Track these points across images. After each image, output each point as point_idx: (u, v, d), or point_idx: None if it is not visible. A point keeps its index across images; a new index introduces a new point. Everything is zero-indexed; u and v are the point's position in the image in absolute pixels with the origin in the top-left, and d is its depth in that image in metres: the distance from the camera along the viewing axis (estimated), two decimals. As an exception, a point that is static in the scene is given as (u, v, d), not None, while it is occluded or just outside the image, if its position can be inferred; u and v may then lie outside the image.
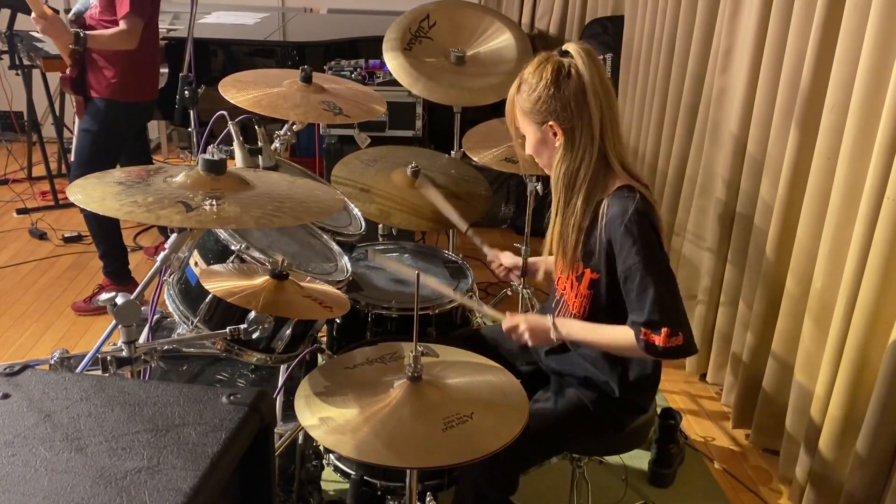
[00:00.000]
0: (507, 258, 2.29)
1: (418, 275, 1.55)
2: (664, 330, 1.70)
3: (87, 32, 3.05)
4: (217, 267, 1.87)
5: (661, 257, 1.75)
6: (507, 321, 1.90)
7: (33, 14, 3.01)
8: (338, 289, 1.97)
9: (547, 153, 1.84)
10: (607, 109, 1.76)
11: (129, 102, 3.28)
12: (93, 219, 3.37)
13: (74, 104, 5.03)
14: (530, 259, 2.30)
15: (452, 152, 3.05)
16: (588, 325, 1.84)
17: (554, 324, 1.85)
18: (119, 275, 3.46)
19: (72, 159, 4.90)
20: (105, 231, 3.39)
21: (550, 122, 1.77)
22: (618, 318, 1.78)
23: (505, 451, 1.46)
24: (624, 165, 1.79)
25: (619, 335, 1.78)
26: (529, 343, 1.90)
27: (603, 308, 1.82)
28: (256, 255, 1.90)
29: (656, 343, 1.71)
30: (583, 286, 1.83)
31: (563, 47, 1.78)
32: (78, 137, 3.36)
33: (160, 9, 3.34)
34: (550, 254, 1.93)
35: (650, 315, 1.71)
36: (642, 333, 1.72)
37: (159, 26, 3.48)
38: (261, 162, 2.16)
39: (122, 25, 3.05)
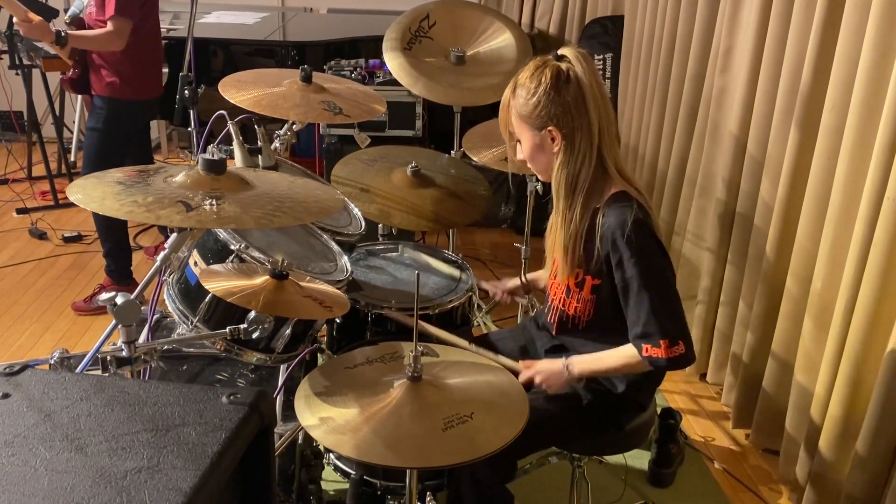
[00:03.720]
0: (507, 283, 2.29)
1: (418, 275, 1.55)
2: (662, 342, 1.71)
3: (69, 32, 3.05)
4: (217, 267, 1.87)
5: (659, 267, 1.75)
6: (523, 375, 1.88)
7: (16, 19, 3.03)
8: (338, 289, 1.97)
9: (543, 159, 1.83)
10: (604, 114, 1.76)
11: (131, 100, 3.28)
12: (101, 216, 3.38)
13: (75, 104, 5.06)
14: (532, 274, 2.28)
15: (452, 152, 3.05)
16: (595, 356, 1.85)
17: (567, 366, 1.85)
18: (121, 274, 3.46)
19: (71, 158, 4.94)
20: (112, 230, 3.40)
21: (550, 128, 1.76)
22: (623, 319, 1.79)
23: None
24: (619, 170, 1.80)
25: (625, 355, 1.79)
26: (549, 392, 1.89)
27: (609, 310, 1.82)
28: (256, 254, 1.90)
29: (658, 356, 1.72)
30: (585, 292, 1.83)
31: (559, 52, 1.78)
32: (86, 136, 3.38)
33: (160, 8, 3.35)
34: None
35: (646, 327, 1.72)
36: (643, 350, 1.73)
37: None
38: (261, 162, 2.16)
39: (109, 26, 3.06)
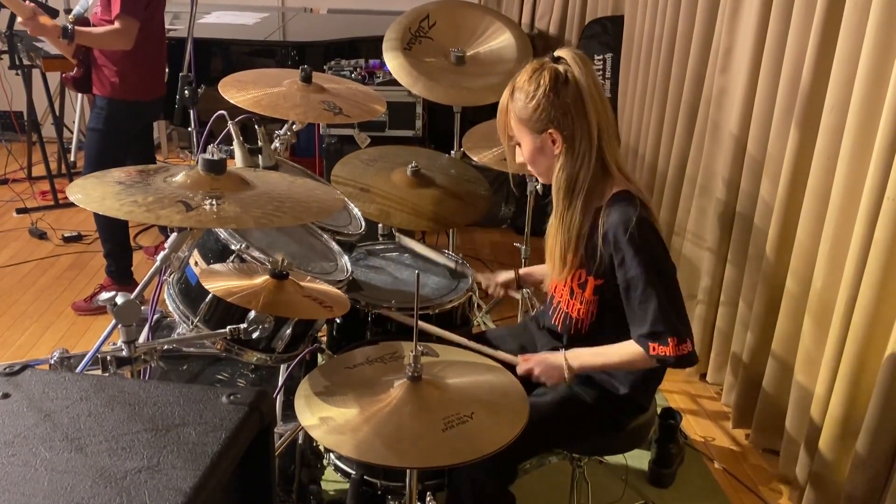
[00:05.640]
0: (500, 276, 2.27)
1: (418, 275, 1.55)
2: (671, 340, 1.71)
3: (76, 27, 3.04)
4: (217, 266, 1.87)
5: (663, 265, 1.75)
6: (521, 367, 1.88)
7: (19, 19, 3.02)
8: (338, 289, 1.97)
9: (544, 161, 1.82)
10: (603, 114, 1.76)
11: (132, 101, 3.28)
12: (101, 217, 3.37)
13: (75, 104, 5.06)
14: (533, 268, 2.28)
15: (452, 152, 3.05)
16: (597, 350, 1.84)
17: (566, 361, 1.84)
18: (121, 275, 3.46)
19: (71, 158, 4.94)
20: (112, 230, 3.40)
21: (550, 130, 1.75)
22: (625, 320, 1.79)
23: None
24: (620, 169, 1.80)
25: (629, 352, 1.78)
26: (547, 385, 1.89)
27: (611, 310, 1.82)
28: (256, 254, 1.90)
29: (667, 354, 1.72)
30: (587, 292, 1.83)
31: (556, 53, 1.78)
32: (87, 136, 3.38)
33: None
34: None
35: (654, 326, 1.71)
36: (651, 348, 1.73)
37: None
38: (261, 162, 2.16)
39: (116, 25, 3.06)
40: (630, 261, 1.72)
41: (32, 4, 3.01)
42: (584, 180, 1.76)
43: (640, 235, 1.71)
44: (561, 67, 1.74)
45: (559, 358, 1.85)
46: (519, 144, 1.85)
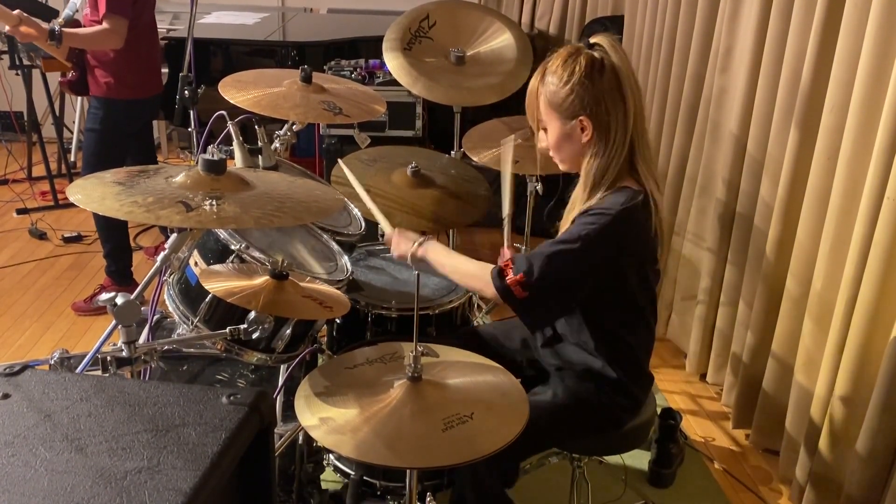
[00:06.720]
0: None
1: (418, 275, 1.55)
2: (521, 275, 1.68)
3: (63, 29, 3.02)
4: (217, 267, 1.87)
5: (592, 254, 1.71)
6: (388, 235, 1.94)
7: (7, 27, 3.01)
8: (338, 289, 1.97)
9: (570, 148, 1.79)
10: (639, 103, 1.73)
11: (127, 100, 3.27)
12: (101, 217, 3.37)
13: (75, 104, 5.06)
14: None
15: (452, 152, 3.05)
16: (452, 252, 1.86)
17: (417, 241, 1.86)
18: (121, 275, 3.46)
19: (71, 159, 4.94)
20: (112, 231, 3.40)
21: (581, 118, 1.72)
22: (599, 303, 1.79)
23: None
24: (645, 163, 1.76)
25: (478, 266, 1.78)
26: (393, 254, 1.92)
27: (599, 298, 1.80)
28: (256, 254, 1.90)
29: (506, 275, 1.70)
30: None
31: (591, 40, 1.74)
32: (84, 137, 3.38)
33: (160, 8, 3.34)
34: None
35: (528, 259, 1.70)
36: (504, 268, 1.71)
37: (158, 26, 3.48)
38: (261, 162, 2.16)
39: (104, 25, 3.05)
40: (581, 222, 1.70)
41: (18, 11, 2.99)
42: (613, 170, 1.73)
43: (611, 217, 1.68)
44: (597, 54, 1.71)
45: (413, 236, 1.89)
46: (545, 129, 1.83)
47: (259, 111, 2.12)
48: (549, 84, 1.75)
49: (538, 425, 1.78)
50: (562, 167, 1.88)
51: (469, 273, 1.81)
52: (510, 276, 1.69)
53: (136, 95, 3.30)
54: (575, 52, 1.73)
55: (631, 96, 1.71)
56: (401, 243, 1.90)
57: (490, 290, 1.74)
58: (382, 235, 2.03)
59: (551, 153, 1.85)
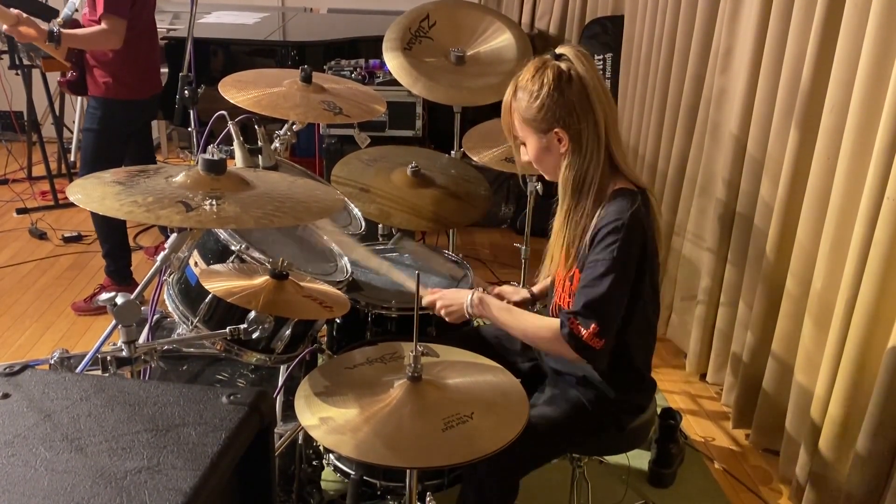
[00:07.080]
0: (513, 297, 2.13)
1: (418, 275, 1.55)
2: (593, 326, 1.69)
3: (62, 30, 3.02)
4: (217, 267, 1.87)
5: (629, 271, 1.73)
6: (426, 298, 1.89)
7: (5, 27, 3.01)
8: (338, 289, 1.97)
9: (551, 160, 1.81)
10: (609, 109, 1.75)
11: (126, 100, 3.27)
12: (99, 217, 3.37)
13: (75, 104, 5.06)
14: (537, 287, 2.20)
15: (452, 152, 3.05)
16: (510, 307, 1.84)
17: (471, 299, 1.85)
18: (121, 275, 3.46)
19: (71, 158, 4.94)
20: (111, 230, 3.40)
21: (556, 130, 1.74)
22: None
23: (509, 455, 1.45)
24: (626, 165, 1.79)
25: (542, 325, 1.78)
26: (448, 320, 1.89)
27: None
28: (256, 255, 1.90)
29: (581, 334, 1.70)
30: (574, 285, 1.82)
31: (557, 50, 1.76)
32: (83, 137, 3.38)
33: (160, 8, 3.34)
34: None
35: (588, 306, 1.69)
36: (570, 321, 1.71)
37: (158, 26, 3.48)
38: (261, 162, 2.16)
39: (102, 25, 3.05)
40: (605, 247, 1.70)
41: (17, 12, 2.99)
42: (593, 177, 1.75)
43: (626, 230, 1.69)
44: (563, 65, 1.72)
45: (463, 296, 1.87)
46: (524, 143, 1.84)
47: (259, 111, 2.12)
48: (521, 100, 1.77)
49: (542, 439, 1.78)
50: (547, 178, 1.89)
51: (538, 336, 1.82)
52: (584, 333, 1.70)
53: (135, 96, 3.30)
54: (542, 66, 1.75)
55: (599, 104, 1.72)
56: (453, 312, 1.88)
57: (567, 351, 1.75)
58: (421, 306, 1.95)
59: (535, 166, 1.87)
